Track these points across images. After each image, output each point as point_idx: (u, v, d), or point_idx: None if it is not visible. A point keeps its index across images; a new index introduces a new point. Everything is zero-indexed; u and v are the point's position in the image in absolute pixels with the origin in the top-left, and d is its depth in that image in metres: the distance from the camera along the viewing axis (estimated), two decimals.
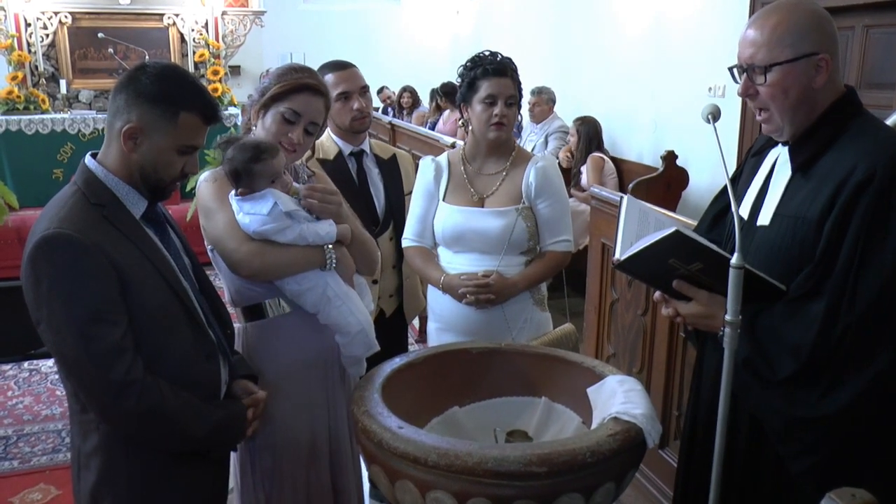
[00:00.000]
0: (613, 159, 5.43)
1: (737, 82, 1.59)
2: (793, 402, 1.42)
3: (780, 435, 1.47)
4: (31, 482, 3.04)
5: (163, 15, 7.48)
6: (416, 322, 2.89)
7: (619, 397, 1.56)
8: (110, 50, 6.96)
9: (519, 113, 2.35)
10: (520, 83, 2.30)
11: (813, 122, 1.52)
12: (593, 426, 1.56)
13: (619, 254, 1.60)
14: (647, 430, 1.46)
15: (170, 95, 1.48)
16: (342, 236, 1.86)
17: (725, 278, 1.43)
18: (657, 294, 1.66)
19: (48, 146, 6.55)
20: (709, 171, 5.00)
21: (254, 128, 1.92)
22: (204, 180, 1.85)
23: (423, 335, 2.84)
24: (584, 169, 5.18)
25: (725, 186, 1.88)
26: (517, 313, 2.32)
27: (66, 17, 7.00)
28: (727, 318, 1.34)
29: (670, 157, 4.72)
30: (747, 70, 1.54)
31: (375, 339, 1.91)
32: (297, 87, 1.85)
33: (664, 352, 2.81)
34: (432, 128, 7.21)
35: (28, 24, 6.91)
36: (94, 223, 1.44)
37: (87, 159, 1.54)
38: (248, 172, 1.74)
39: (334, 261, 1.81)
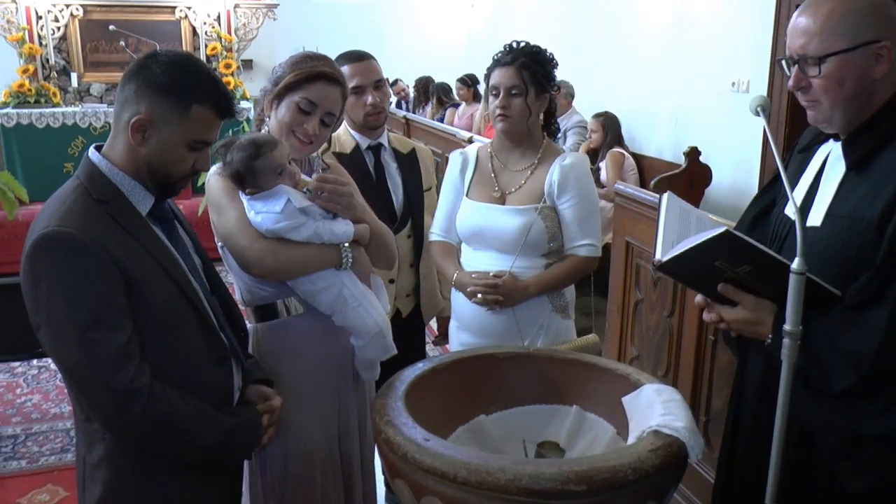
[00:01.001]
0: (633, 155, 5.32)
1: (787, 75, 1.48)
2: (850, 417, 1.32)
3: (835, 452, 1.36)
4: (39, 482, 2.98)
5: (175, 8, 7.42)
6: (433, 323, 2.79)
7: (657, 408, 1.46)
8: (122, 43, 6.90)
9: (545, 106, 2.24)
10: (538, 72, 2.16)
11: (870, 115, 1.41)
12: (630, 438, 1.46)
13: (661, 254, 1.50)
14: (690, 445, 1.36)
15: (182, 86, 1.39)
16: (360, 236, 1.77)
17: (776, 282, 1.33)
18: (699, 298, 1.56)
19: (59, 140, 6.50)
20: (731, 168, 4.89)
21: (267, 119, 1.83)
22: (213, 174, 1.77)
23: (440, 336, 2.74)
24: (602, 165, 5.07)
25: (769, 184, 1.79)
26: (531, 319, 2.20)
27: (77, 9, 6.94)
28: (787, 328, 1.24)
29: (693, 154, 4.61)
30: (799, 62, 1.43)
31: (393, 342, 1.82)
32: (312, 75, 1.76)
33: (691, 355, 2.71)
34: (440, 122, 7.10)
35: (39, 17, 6.85)
36: (97, 220, 1.35)
37: (91, 152, 1.45)
38: (251, 171, 1.65)
39: (351, 260, 1.73)
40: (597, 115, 5.30)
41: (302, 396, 1.79)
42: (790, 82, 1.46)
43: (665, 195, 1.67)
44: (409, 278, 2.50)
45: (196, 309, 1.46)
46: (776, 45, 4.47)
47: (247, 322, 1.85)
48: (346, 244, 1.73)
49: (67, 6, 6.89)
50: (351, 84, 2.33)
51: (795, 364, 1.33)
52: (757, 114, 1.48)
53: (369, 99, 2.36)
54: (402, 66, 9.19)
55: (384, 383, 1.58)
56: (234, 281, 1.82)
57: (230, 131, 1.84)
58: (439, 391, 1.64)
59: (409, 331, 2.52)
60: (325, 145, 1.99)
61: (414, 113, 8.24)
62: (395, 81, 9.15)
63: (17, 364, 4.09)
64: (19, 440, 3.31)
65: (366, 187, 2.36)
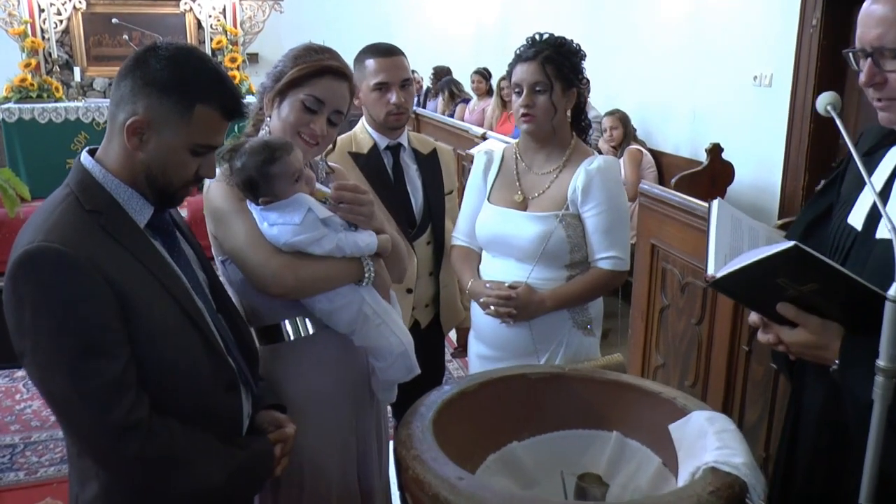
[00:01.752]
0: (650, 151, 5.17)
1: (857, 69, 1.33)
2: None
3: None
4: (38, 496, 2.85)
5: (179, 0, 7.29)
6: (452, 334, 2.65)
7: (710, 440, 1.32)
8: (125, 36, 6.77)
9: (573, 102, 2.09)
10: (564, 66, 2.00)
11: None
12: (681, 472, 1.33)
13: (714, 269, 1.36)
14: (752, 485, 1.23)
15: (184, 84, 1.24)
16: (383, 247, 1.63)
17: (846, 302, 1.20)
18: (753, 317, 1.41)
19: (61, 135, 6.39)
20: (753, 165, 4.73)
21: (267, 119, 1.68)
22: (214, 181, 1.60)
23: (459, 349, 2.60)
24: (620, 163, 4.92)
25: (823, 189, 1.64)
26: (548, 334, 2.04)
27: (80, 2, 6.82)
28: (880, 363, 1.09)
29: (715, 150, 4.46)
30: (873, 54, 1.28)
31: (416, 362, 1.69)
32: (318, 70, 1.61)
33: (722, 366, 2.57)
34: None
35: (41, 10, 6.73)
36: (89, 234, 1.20)
37: (84, 157, 1.30)
38: (266, 177, 1.50)
39: (373, 274, 1.59)
40: (612, 112, 5.15)
41: (316, 423, 1.65)
42: (862, 78, 1.31)
43: (715, 202, 1.53)
44: (428, 287, 2.35)
45: (200, 331, 1.31)
46: (801, 37, 4.31)
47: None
48: (368, 257, 1.60)
49: None
50: (376, 80, 2.19)
51: (867, 398, 1.19)
52: (827, 113, 1.33)
53: (393, 98, 2.20)
54: (410, 59, 9.01)
55: (408, 409, 1.45)
56: (235, 298, 1.67)
57: (235, 128, 1.69)
58: (468, 416, 1.51)
59: (429, 342, 2.38)
60: (328, 147, 1.82)
61: (424, 106, 8.07)
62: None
63: (19, 371, 3.95)
64: (17, 450, 3.19)
65: (384, 190, 2.23)
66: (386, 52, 2.23)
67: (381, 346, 1.61)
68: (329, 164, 1.88)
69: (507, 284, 2.01)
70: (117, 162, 1.28)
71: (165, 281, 1.28)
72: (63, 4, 6.75)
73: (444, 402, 1.45)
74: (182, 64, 1.25)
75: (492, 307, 1.99)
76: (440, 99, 7.82)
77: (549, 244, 1.99)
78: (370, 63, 2.20)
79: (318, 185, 1.59)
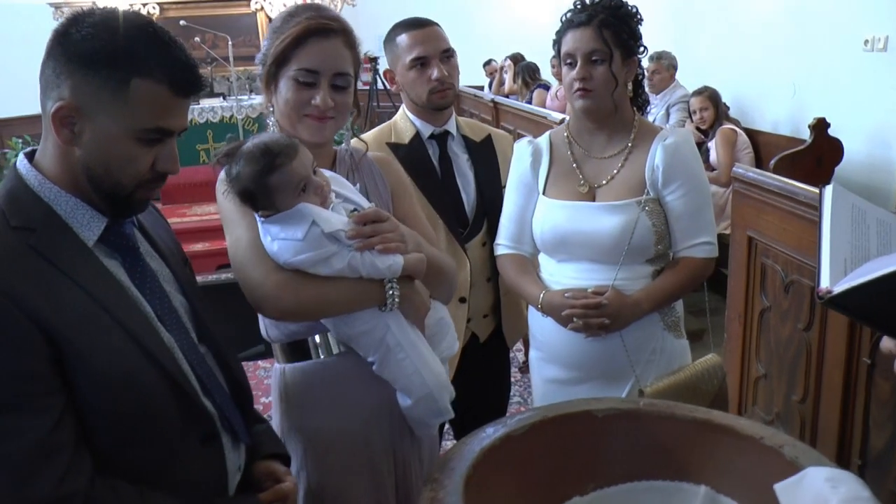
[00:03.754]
0: (745, 130, 4.70)
1: None
2: None
3: None
4: None
5: (250, 0, 7.30)
6: (519, 346, 2.36)
7: None
8: (196, 39, 6.78)
9: (633, 73, 1.80)
10: (623, 31, 1.72)
11: None
12: None
13: (830, 281, 1.03)
14: None
15: (113, 54, 1.01)
16: (412, 269, 1.37)
17: None
18: (887, 343, 1.08)
19: None
20: (864, 141, 4.22)
21: (270, 108, 1.46)
22: (221, 180, 1.39)
23: (527, 365, 2.31)
24: (711, 145, 4.48)
25: None
26: (642, 342, 1.78)
27: (153, 7, 6.91)
28: None
29: (820, 126, 3.98)
30: None
31: (449, 405, 1.44)
32: (299, 36, 1.38)
33: (838, 380, 2.18)
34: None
35: None
36: (12, 258, 0.99)
37: (20, 160, 1.08)
38: (264, 189, 1.27)
39: (397, 299, 1.33)
40: (699, 91, 4.70)
41: (345, 458, 1.43)
42: None
43: (829, 188, 1.19)
44: (485, 295, 2.06)
45: (166, 373, 1.08)
46: None
47: (272, 363, 1.50)
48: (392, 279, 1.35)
49: (144, 5, 6.87)
50: (412, 55, 1.94)
51: None
52: None
53: (435, 72, 1.94)
54: (490, 46, 8.76)
55: (438, 460, 1.19)
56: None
57: (214, 149, 1.44)
58: (515, 466, 1.22)
59: (490, 359, 2.11)
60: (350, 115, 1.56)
61: (506, 95, 7.78)
62: (489, 62, 8.74)
63: None
64: None
65: (428, 185, 1.96)
66: (418, 24, 1.97)
67: (404, 383, 1.37)
68: (362, 141, 1.62)
69: (590, 290, 1.73)
70: (54, 164, 1.06)
71: (117, 312, 1.04)
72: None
73: (482, 452, 1.17)
74: (110, 30, 1.01)
75: (576, 320, 1.71)
76: (515, 85, 7.51)
77: (635, 237, 1.72)
78: (402, 39, 1.95)
79: (348, 196, 1.34)
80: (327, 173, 1.39)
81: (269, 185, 1.27)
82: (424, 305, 1.41)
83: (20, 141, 4.95)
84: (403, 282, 1.36)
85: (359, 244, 1.30)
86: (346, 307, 1.33)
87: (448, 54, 1.98)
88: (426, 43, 1.94)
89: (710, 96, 4.59)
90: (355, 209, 1.35)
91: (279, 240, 1.28)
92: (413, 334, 1.38)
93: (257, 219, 1.33)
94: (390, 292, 1.33)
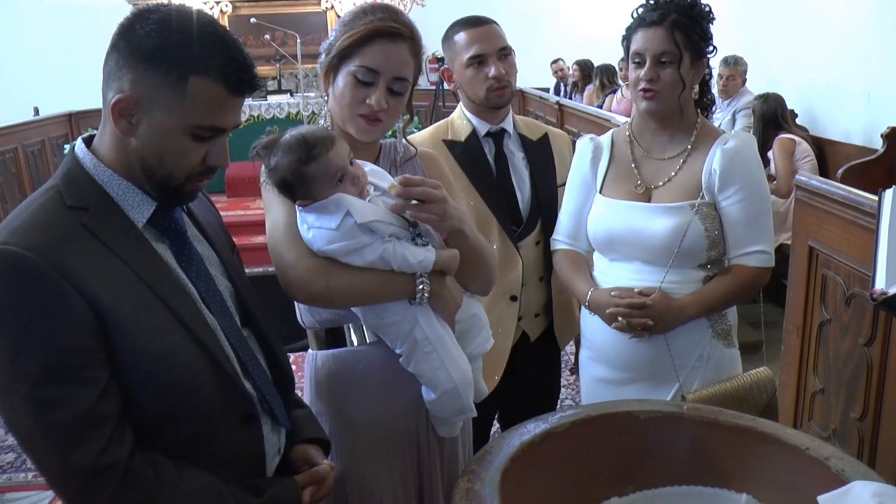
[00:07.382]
0: (814, 139, 4.55)
1: None
2: None
3: None
4: (46, 496, 2.81)
5: None
6: (571, 347, 2.36)
7: None
8: (266, 36, 6.95)
9: (701, 75, 1.78)
10: (695, 33, 1.70)
11: None
12: None
13: (886, 283, 1.02)
14: None
15: (173, 51, 1.03)
16: (444, 265, 1.37)
17: None
18: None
19: None
20: None
21: (325, 98, 1.49)
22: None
23: (578, 366, 2.31)
24: (770, 155, 4.37)
25: None
26: (688, 348, 1.77)
27: (226, 6, 7.10)
28: None
29: (894, 136, 3.82)
30: None
31: (472, 404, 1.45)
32: (367, 35, 1.39)
33: None
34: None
35: None
36: (66, 235, 1.03)
37: (77, 145, 1.13)
38: (302, 178, 1.30)
39: (427, 294, 1.35)
40: (758, 97, 4.60)
41: (372, 452, 1.46)
42: None
43: (889, 192, 1.17)
44: (538, 294, 2.06)
45: (208, 353, 1.11)
46: None
47: (310, 348, 1.54)
48: (423, 274, 1.36)
49: (217, 3, 7.07)
50: (469, 53, 1.95)
51: None
52: None
53: (492, 71, 1.94)
54: (558, 47, 8.70)
55: (477, 453, 1.20)
56: None
57: (254, 142, 1.47)
58: (555, 462, 1.23)
59: (540, 359, 2.11)
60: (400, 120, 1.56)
61: (570, 98, 7.74)
62: (556, 60, 8.69)
63: None
64: None
65: (483, 182, 1.97)
66: (476, 22, 1.98)
67: (430, 377, 1.39)
68: (411, 146, 1.62)
69: (636, 290, 1.73)
70: (111, 150, 1.10)
71: (162, 291, 1.08)
72: (211, 9, 7.06)
73: (521, 447, 1.19)
74: (172, 27, 1.05)
75: (621, 319, 1.72)
76: (589, 89, 7.49)
77: (686, 240, 1.72)
78: (460, 37, 1.97)
79: (384, 180, 1.37)
80: (367, 166, 1.40)
81: (306, 175, 1.30)
82: (454, 302, 1.41)
83: (93, 131, 5.17)
84: (434, 277, 1.37)
85: (398, 205, 1.32)
86: (375, 298, 1.35)
87: (505, 52, 1.98)
88: (483, 41, 1.95)
89: (758, 105, 4.52)
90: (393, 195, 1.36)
91: (314, 228, 1.31)
92: (441, 329, 1.39)
93: (296, 207, 1.37)
94: (420, 287, 1.34)
